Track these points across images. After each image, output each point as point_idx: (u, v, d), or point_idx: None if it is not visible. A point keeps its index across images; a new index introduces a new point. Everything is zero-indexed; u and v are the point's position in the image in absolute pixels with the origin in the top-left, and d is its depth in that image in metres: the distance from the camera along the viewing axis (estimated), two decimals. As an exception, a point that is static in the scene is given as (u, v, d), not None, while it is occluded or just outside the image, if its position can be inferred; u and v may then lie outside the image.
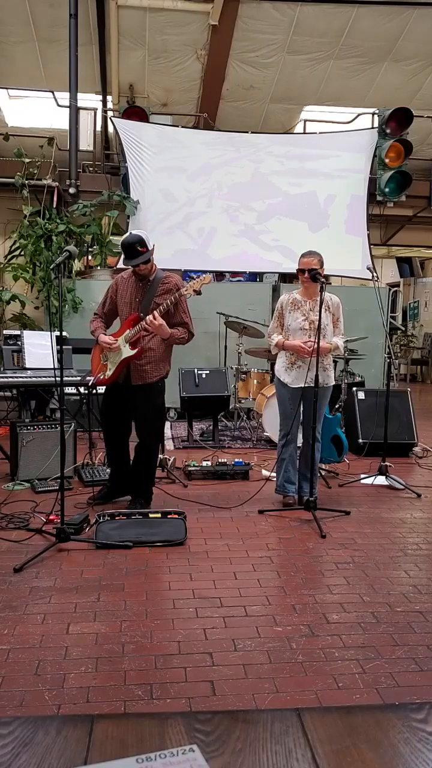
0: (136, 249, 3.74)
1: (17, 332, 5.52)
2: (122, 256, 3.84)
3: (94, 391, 4.79)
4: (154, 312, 3.74)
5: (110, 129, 8.92)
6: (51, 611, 2.70)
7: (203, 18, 7.87)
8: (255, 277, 9.78)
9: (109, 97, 8.99)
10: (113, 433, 4.11)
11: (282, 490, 4.32)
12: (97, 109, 8.76)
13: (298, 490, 4.35)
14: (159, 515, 3.61)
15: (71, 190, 8.28)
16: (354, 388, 6.08)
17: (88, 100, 8.83)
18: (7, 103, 9.13)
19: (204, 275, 3.86)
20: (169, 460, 5.05)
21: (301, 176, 8.47)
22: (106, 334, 3.98)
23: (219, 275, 10.29)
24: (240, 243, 8.35)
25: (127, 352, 3.85)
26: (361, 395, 5.99)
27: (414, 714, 0.83)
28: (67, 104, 8.11)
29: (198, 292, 3.87)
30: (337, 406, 6.05)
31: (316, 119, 9.47)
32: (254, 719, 0.82)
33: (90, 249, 8.02)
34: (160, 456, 5.00)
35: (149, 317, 3.73)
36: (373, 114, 8.87)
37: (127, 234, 3.83)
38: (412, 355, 14.02)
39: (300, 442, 4.40)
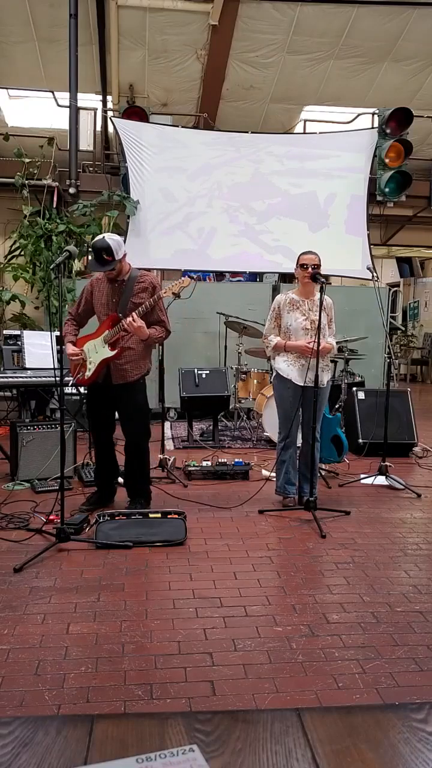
0: (103, 257, 3.72)
1: (17, 332, 5.53)
2: (92, 261, 3.76)
3: None
4: (133, 314, 3.75)
5: (110, 129, 8.92)
6: (51, 611, 2.70)
7: (203, 18, 7.87)
8: (255, 277, 9.78)
9: (109, 97, 8.99)
10: (99, 432, 4.13)
11: (282, 491, 4.32)
12: (97, 109, 8.76)
13: (298, 490, 4.35)
14: (159, 515, 3.61)
15: (71, 190, 8.28)
16: (354, 388, 6.08)
17: (88, 100, 8.83)
18: (7, 103, 9.13)
19: (184, 278, 3.85)
20: (169, 460, 5.05)
21: (301, 176, 8.47)
22: (74, 342, 3.97)
23: (219, 275, 10.29)
24: (240, 243, 8.35)
25: (107, 352, 3.86)
26: (361, 395, 5.99)
27: (414, 714, 0.83)
28: (67, 104, 8.10)
29: (177, 296, 3.87)
30: (337, 406, 6.05)
31: (316, 119, 9.46)
32: (254, 719, 0.82)
33: (90, 249, 8.03)
34: (159, 456, 5.01)
35: (128, 319, 3.73)
36: (373, 114, 8.87)
37: (100, 237, 3.76)
38: (412, 355, 14.02)
39: (299, 442, 4.40)
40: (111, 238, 3.75)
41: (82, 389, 5.16)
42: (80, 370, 3.96)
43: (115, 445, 4.24)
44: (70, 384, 4.40)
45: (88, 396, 4.12)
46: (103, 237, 3.76)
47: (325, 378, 4.22)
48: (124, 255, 3.84)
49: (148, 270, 5.28)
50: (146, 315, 3.85)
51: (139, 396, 3.99)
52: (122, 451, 4.15)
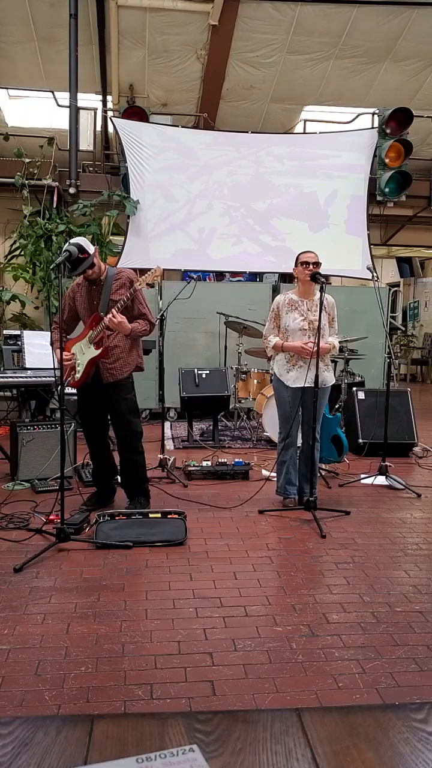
0: (78, 257, 3.72)
1: (17, 332, 5.53)
2: (67, 268, 3.72)
3: None
4: (112, 310, 3.77)
5: (110, 129, 8.93)
6: (51, 611, 2.70)
7: (203, 18, 7.87)
8: (255, 277, 9.78)
9: (109, 97, 8.99)
10: (93, 432, 4.13)
11: (283, 492, 4.32)
12: (97, 109, 8.76)
13: (298, 490, 4.34)
14: (159, 515, 3.61)
15: (71, 190, 8.29)
16: (354, 388, 6.08)
17: (88, 100, 8.83)
18: (7, 103, 9.13)
19: (155, 268, 3.86)
20: (169, 460, 5.05)
21: (301, 176, 8.48)
22: (63, 348, 3.97)
23: (219, 275, 10.29)
24: (240, 243, 8.36)
25: (93, 352, 3.88)
26: (361, 395, 5.99)
27: (414, 714, 0.83)
28: (67, 104, 8.11)
29: (151, 285, 3.85)
30: (337, 406, 6.05)
31: (316, 119, 9.47)
32: (254, 719, 0.82)
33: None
34: (159, 456, 5.01)
35: (108, 316, 3.75)
36: (373, 114, 8.87)
37: (67, 244, 3.76)
38: (412, 355, 14.02)
39: (300, 442, 4.40)
40: (76, 240, 3.75)
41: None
42: (70, 373, 3.97)
43: (110, 445, 4.25)
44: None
45: (80, 397, 4.14)
46: (69, 243, 3.76)
47: (327, 378, 4.21)
48: (96, 251, 3.86)
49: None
50: (127, 310, 3.88)
51: (129, 394, 4.00)
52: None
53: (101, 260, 4.05)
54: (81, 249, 3.69)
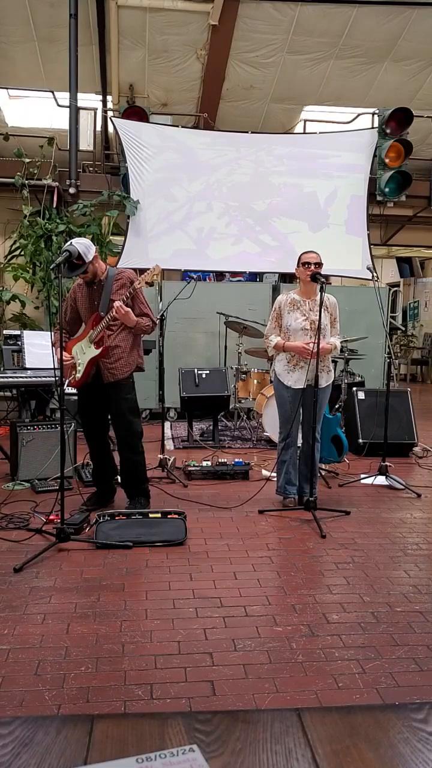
0: (73, 262, 3.72)
1: (17, 332, 5.53)
2: (65, 267, 3.72)
3: None
4: (116, 302, 3.77)
5: (110, 129, 8.92)
6: (51, 611, 2.70)
7: (203, 18, 7.87)
8: (255, 277, 9.78)
9: (109, 97, 8.99)
10: (93, 432, 4.14)
11: (283, 491, 4.32)
12: (97, 109, 8.76)
13: (298, 490, 4.34)
14: (159, 515, 3.61)
15: (71, 190, 8.29)
16: (354, 388, 6.08)
17: (88, 100, 8.83)
18: (7, 103, 9.13)
19: (153, 266, 3.87)
20: (169, 460, 5.05)
21: (301, 176, 8.48)
22: (63, 348, 3.95)
23: (219, 275, 10.29)
24: (240, 243, 8.36)
25: (93, 352, 3.88)
26: (361, 395, 5.99)
27: (414, 714, 0.83)
28: (67, 104, 8.11)
29: (150, 284, 3.86)
30: (337, 406, 6.05)
31: (316, 119, 9.46)
32: (254, 719, 0.82)
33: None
34: (159, 456, 5.01)
35: (117, 304, 3.75)
36: (373, 114, 8.87)
37: (68, 243, 3.76)
38: (412, 355, 14.02)
39: (300, 441, 4.40)
40: (79, 243, 3.75)
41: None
42: (71, 372, 3.97)
43: (110, 445, 4.25)
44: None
45: (80, 397, 4.14)
46: (71, 242, 3.76)
47: (324, 380, 4.20)
48: (96, 257, 3.86)
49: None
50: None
51: (130, 394, 4.00)
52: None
53: (101, 260, 4.04)
54: (79, 255, 3.69)
